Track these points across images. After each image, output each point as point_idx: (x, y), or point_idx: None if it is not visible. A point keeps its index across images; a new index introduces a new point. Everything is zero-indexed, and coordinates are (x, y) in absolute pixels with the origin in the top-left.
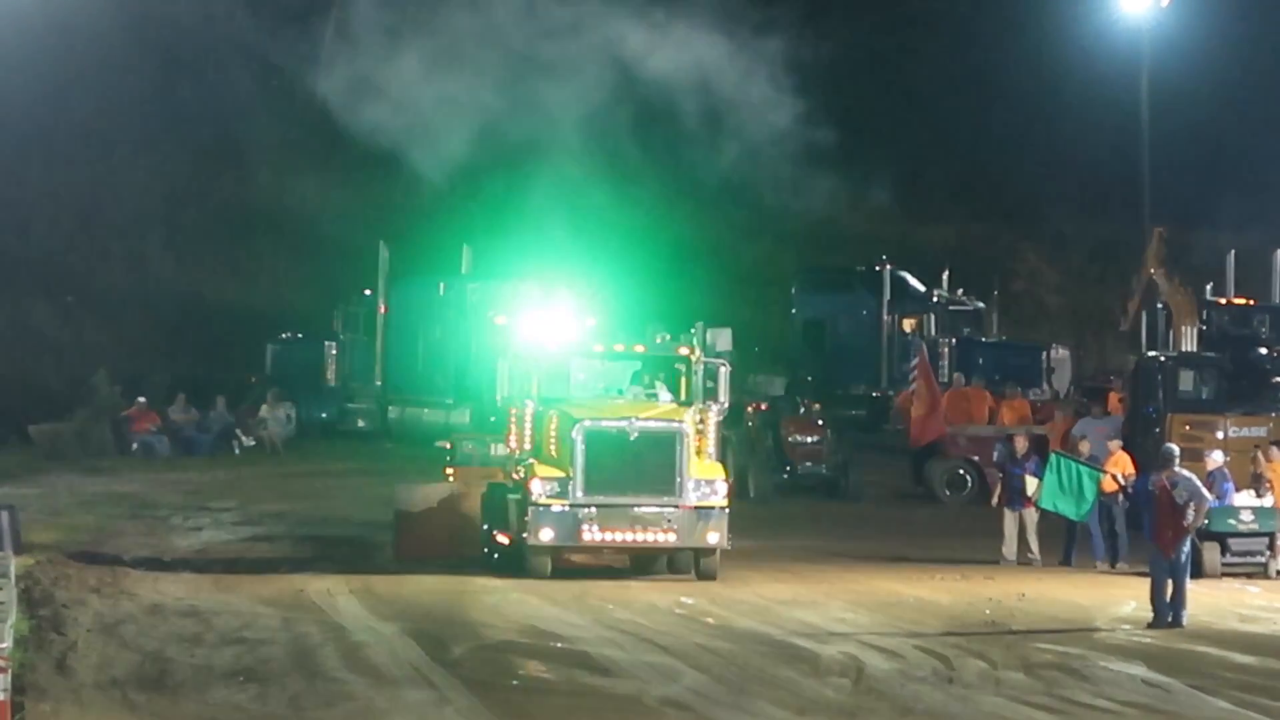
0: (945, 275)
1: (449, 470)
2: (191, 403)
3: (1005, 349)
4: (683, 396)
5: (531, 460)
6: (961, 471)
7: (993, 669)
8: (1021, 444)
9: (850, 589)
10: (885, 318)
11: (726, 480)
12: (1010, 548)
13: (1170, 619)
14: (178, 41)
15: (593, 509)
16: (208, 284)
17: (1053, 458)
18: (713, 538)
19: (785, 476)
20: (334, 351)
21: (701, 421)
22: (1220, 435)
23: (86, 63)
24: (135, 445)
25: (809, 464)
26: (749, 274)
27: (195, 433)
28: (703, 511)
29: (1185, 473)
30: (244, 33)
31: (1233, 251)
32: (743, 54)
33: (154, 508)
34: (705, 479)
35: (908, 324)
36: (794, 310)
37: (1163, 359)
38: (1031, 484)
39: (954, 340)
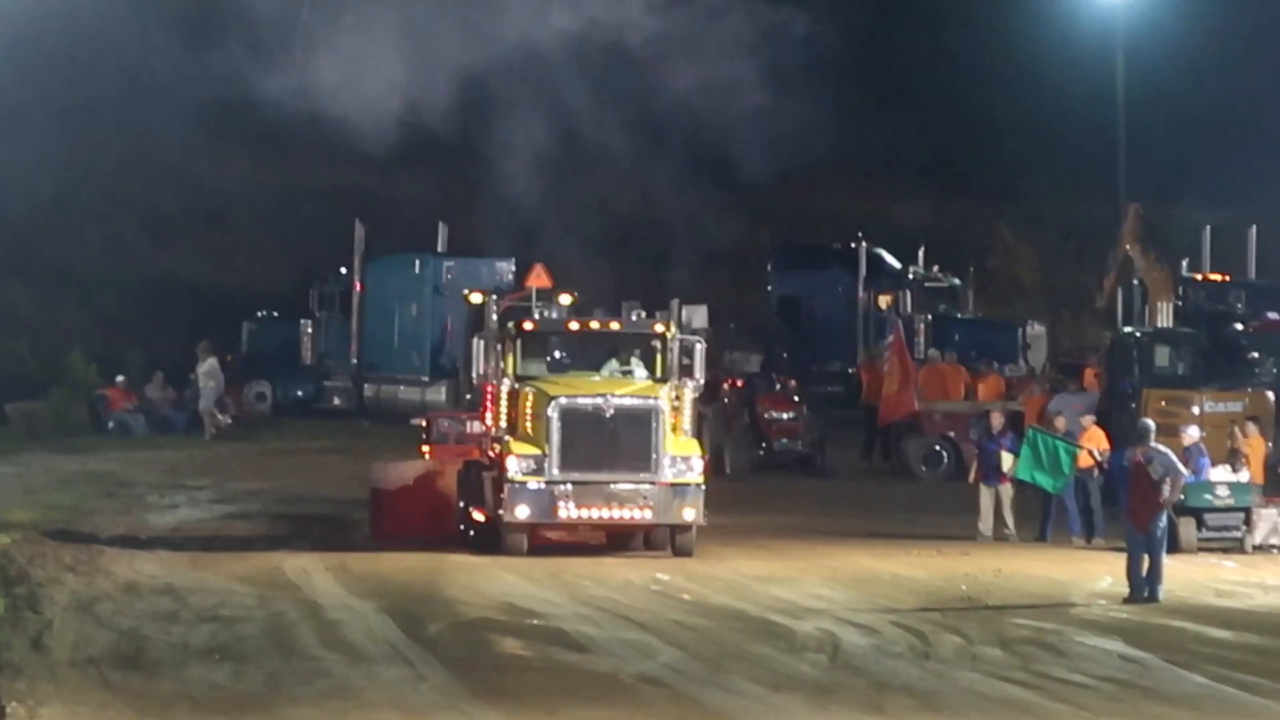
0: (921, 252)
1: (425, 448)
2: (168, 382)
3: (981, 326)
4: (658, 373)
5: (507, 438)
6: (937, 448)
7: (969, 644)
8: (997, 420)
9: (826, 565)
10: (861, 295)
11: (702, 457)
12: (986, 523)
13: (1146, 594)
14: (152, 21)
15: (569, 486)
16: (183, 263)
17: (1029, 432)
18: (689, 514)
19: (761, 453)
20: (310, 330)
21: (677, 398)
22: (1196, 411)
23: (60, 43)
24: (111, 424)
25: (785, 440)
26: (725, 251)
27: (171, 411)
28: (679, 488)
29: (1161, 448)
30: (218, 14)
31: (1208, 227)
32: (719, 31)
33: (130, 486)
34: (681, 456)
35: (883, 301)
36: (770, 287)
37: (1139, 335)
38: (1007, 460)
39: (930, 317)
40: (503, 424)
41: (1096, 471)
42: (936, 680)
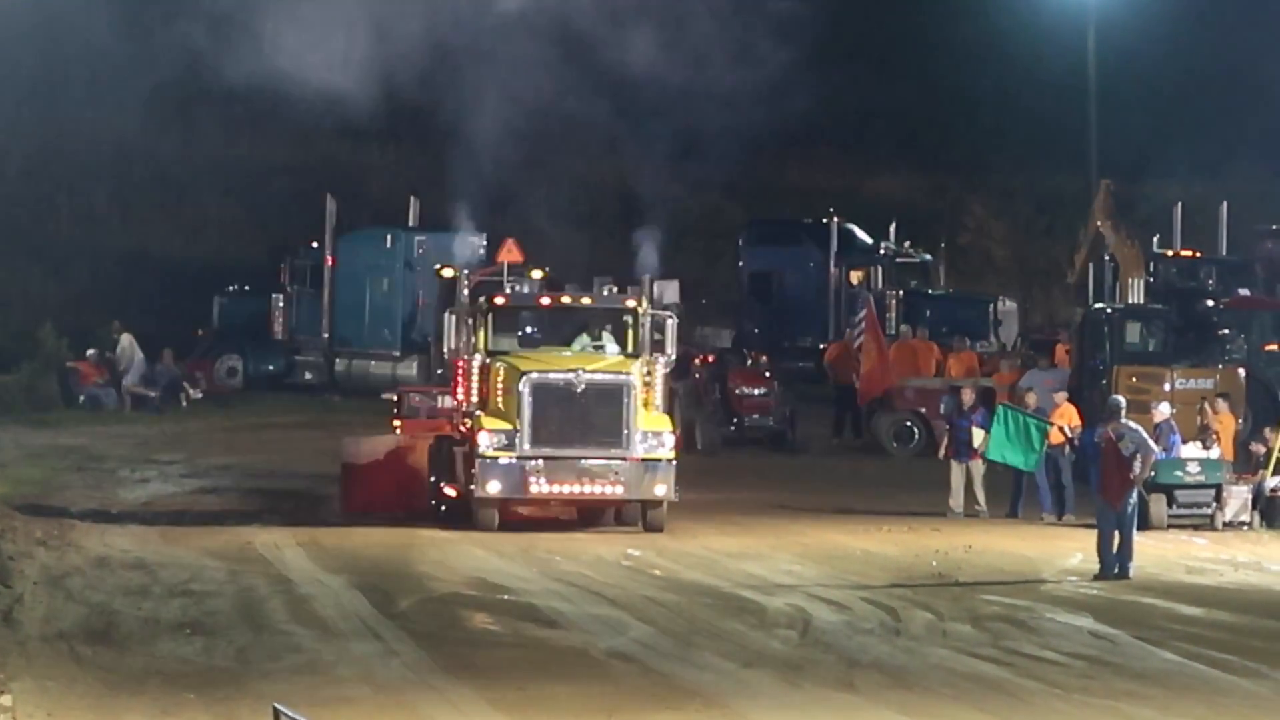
0: (892, 228)
1: (396, 423)
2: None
3: (952, 301)
4: (630, 349)
5: (478, 413)
6: (908, 424)
7: (939, 621)
8: (968, 396)
9: (797, 541)
10: (832, 270)
11: (674, 432)
12: (957, 500)
13: (1116, 571)
14: None
15: (540, 461)
16: (155, 237)
17: (1000, 409)
18: (660, 490)
19: (732, 429)
20: (281, 304)
21: (649, 374)
22: (1167, 387)
23: (31, 16)
24: (82, 398)
25: (756, 416)
26: (696, 226)
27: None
28: (650, 464)
29: (1132, 424)
30: None
31: (1179, 204)
32: (685, 6)
33: (101, 461)
34: (652, 431)
35: (855, 276)
36: (741, 263)
37: (1110, 311)
38: (978, 436)
39: (901, 293)
40: (474, 399)
41: (1068, 448)
42: (907, 656)
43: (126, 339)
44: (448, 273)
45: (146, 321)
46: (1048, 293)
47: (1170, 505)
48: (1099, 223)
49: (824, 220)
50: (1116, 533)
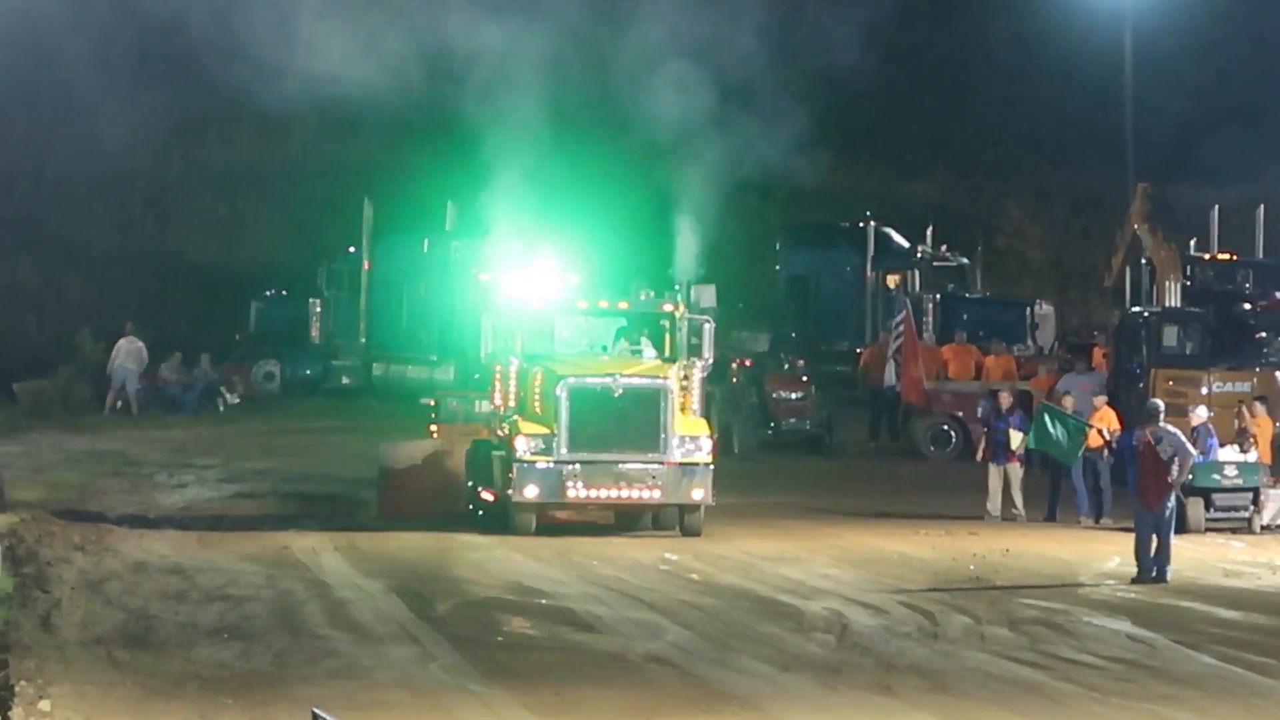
0: (929, 231)
1: (433, 427)
2: (185, 362)
3: (989, 305)
4: (667, 353)
5: (516, 417)
6: (945, 427)
7: (977, 624)
8: (1005, 399)
9: (834, 545)
10: (869, 274)
11: (711, 437)
12: (995, 503)
13: (1154, 574)
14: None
15: (577, 466)
16: (191, 241)
17: (1041, 406)
18: (697, 494)
19: (769, 433)
20: (318, 309)
21: (686, 378)
22: (1204, 391)
23: (68, 19)
24: (120, 403)
25: (793, 420)
26: (733, 230)
27: (180, 390)
28: (687, 468)
29: (1170, 428)
30: None
31: (1216, 206)
32: (723, 10)
33: (138, 465)
34: (690, 435)
35: (891, 280)
36: (778, 266)
37: (1147, 314)
38: (1016, 439)
39: (938, 296)
40: (511, 403)
41: (1105, 451)
42: (945, 660)
43: (122, 341)
44: (485, 277)
45: (183, 326)
46: (1085, 296)
47: (1208, 508)
48: (1136, 226)
49: (860, 224)
50: (1154, 536)
